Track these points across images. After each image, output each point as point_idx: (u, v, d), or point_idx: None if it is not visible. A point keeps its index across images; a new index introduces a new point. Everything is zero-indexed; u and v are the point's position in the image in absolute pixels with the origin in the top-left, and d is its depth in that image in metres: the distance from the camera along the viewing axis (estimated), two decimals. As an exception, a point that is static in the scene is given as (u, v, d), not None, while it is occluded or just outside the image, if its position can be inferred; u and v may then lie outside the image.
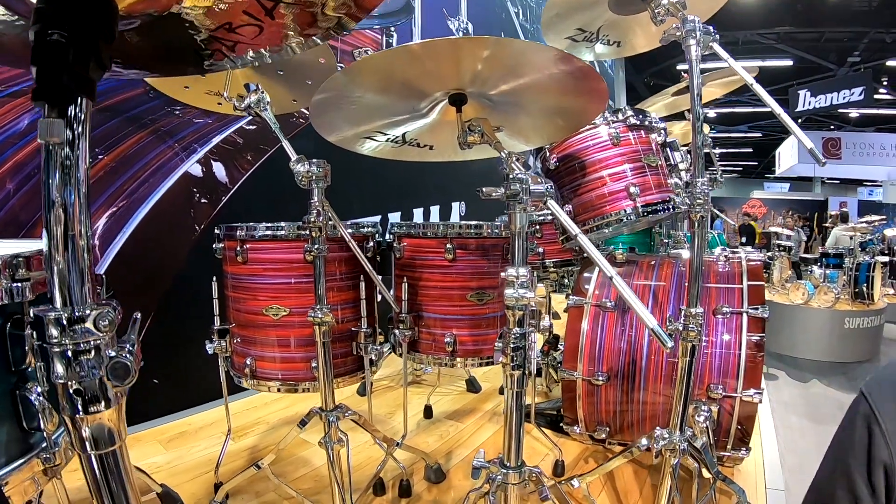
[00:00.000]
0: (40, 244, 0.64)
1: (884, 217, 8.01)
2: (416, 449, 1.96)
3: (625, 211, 1.72)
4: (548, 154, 1.87)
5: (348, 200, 3.37)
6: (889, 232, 7.80)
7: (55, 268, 0.57)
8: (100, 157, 2.30)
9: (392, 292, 1.92)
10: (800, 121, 13.61)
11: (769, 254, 6.62)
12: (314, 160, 1.44)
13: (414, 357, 1.90)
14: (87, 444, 0.59)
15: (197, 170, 2.62)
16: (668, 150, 1.88)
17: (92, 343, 0.58)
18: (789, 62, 11.14)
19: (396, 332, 1.83)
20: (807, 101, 11.11)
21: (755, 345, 1.73)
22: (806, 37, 10.17)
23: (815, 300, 5.98)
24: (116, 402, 0.61)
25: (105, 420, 0.60)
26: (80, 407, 0.58)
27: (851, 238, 6.31)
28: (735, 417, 1.75)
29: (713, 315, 1.79)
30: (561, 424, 2.05)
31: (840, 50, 10.54)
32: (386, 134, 1.56)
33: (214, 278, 1.73)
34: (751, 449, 1.82)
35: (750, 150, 21.16)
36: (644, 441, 1.52)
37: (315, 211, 1.42)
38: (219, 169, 2.70)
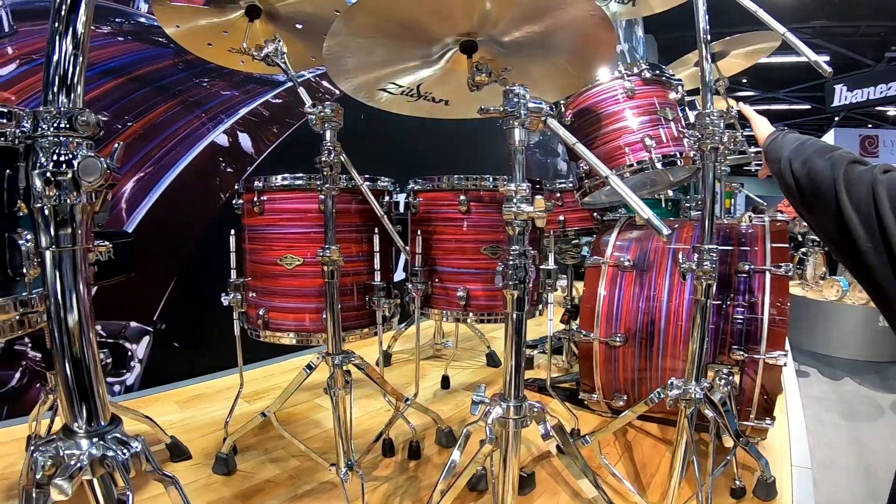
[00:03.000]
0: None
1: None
2: (428, 409, 1.92)
3: (640, 162, 1.66)
4: (563, 110, 1.83)
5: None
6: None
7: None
8: (129, 124, 2.34)
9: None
10: (836, 118, 13.19)
11: (803, 249, 6.42)
12: (327, 102, 1.43)
13: (427, 312, 1.87)
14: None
15: (223, 140, 2.65)
16: (685, 108, 1.83)
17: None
18: (826, 57, 10.80)
19: (409, 286, 1.81)
20: (843, 96, 10.73)
21: (779, 305, 1.65)
22: (841, 31, 9.81)
23: (850, 297, 5.73)
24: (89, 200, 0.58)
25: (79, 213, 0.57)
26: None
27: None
28: (758, 383, 1.67)
29: (734, 275, 1.72)
30: (579, 394, 1.99)
31: (877, 44, 10.15)
32: (400, 85, 1.54)
33: (232, 231, 1.73)
34: (775, 419, 1.73)
35: None
36: (657, 393, 1.45)
37: (326, 150, 1.41)
38: (245, 140, 2.72)
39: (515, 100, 1.02)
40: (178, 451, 1.77)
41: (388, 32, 1.31)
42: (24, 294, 0.72)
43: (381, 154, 3.21)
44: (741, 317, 1.68)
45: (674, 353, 1.73)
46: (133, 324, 2.37)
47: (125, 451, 0.69)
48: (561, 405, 1.98)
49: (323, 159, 1.41)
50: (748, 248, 1.78)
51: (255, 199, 1.70)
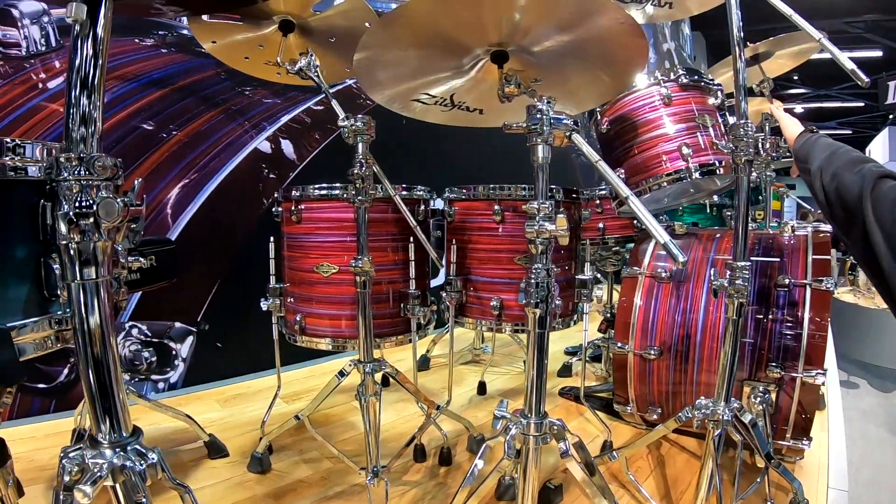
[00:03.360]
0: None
1: None
2: (461, 417, 1.93)
3: (677, 171, 1.63)
4: (599, 118, 1.80)
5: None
6: None
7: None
8: (174, 132, 2.43)
9: (444, 259, 1.91)
10: (892, 116, 12.56)
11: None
12: (359, 115, 1.45)
13: (461, 321, 1.88)
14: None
15: (266, 147, 2.71)
16: (725, 113, 1.78)
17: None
18: (879, 52, 10.30)
19: (444, 294, 1.82)
20: (895, 93, 10.23)
21: (818, 321, 1.59)
22: (895, 25, 9.34)
23: (907, 306, 5.47)
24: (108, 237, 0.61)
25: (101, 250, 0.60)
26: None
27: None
28: (795, 401, 1.61)
29: (773, 288, 1.67)
30: (613, 405, 1.96)
31: None
32: (433, 96, 1.55)
33: (272, 239, 1.78)
34: (811, 439, 1.67)
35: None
36: (686, 412, 1.42)
37: (358, 163, 1.43)
38: (287, 146, 2.79)
39: (538, 116, 1.02)
40: (215, 449, 1.83)
41: (419, 44, 1.32)
42: (59, 313, 0.76)
43: (425, 159, 3.24)
44: (779, 333, 1.63)
45: (709, 368, 1.69)
46: (178, 324, 2.46)
47: (143, 462, 0.72)
48: (594, 416, 1.96)
49: (355, 172, 1.43)
50: (789, 261, 1.73)
51: (293, 207, 1.74)
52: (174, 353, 2.45)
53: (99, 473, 0.67)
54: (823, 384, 1.58)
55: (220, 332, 2.56)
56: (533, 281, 1.02)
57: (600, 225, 2.41)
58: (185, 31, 2.51)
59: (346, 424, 2.13)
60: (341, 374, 1.67)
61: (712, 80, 1.78)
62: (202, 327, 2.51)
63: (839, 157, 1.04)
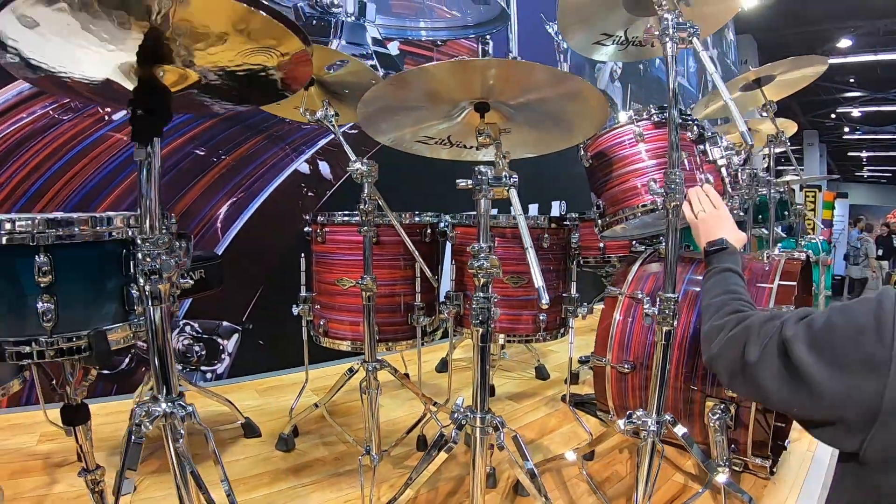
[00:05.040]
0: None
1: None
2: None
3: (644, 205, 1.92)
4: (583, 152, 2.12)
5: (441, 197, 3.75)
6: None
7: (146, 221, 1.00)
8: (223, 157, 2.91)
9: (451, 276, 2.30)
10: None
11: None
12: (365, 160, 1.84)
13: (460, 331, 2.25)
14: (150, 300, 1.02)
15: (305, 168, 3.18)
16: (705, 145, 2.05)
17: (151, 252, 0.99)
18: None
19: (443, 307, 2.19)
20: None
21: None
22: None
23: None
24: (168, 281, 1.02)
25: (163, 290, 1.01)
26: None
27: None
28: (751, 418, 1.79)
29: None
30: (597, 412, 2.27)
31: None
32: (430, 137, 1.91)
33: (303, 254, 2.21)
34: (769, 457, 1.87)
35: None
36: (622, 422, 1.71)
37: (363, 200, 1.83)
38: (324, 167, 3.24)
39: (480, 177, 1.37)
40: (250, 430, 2.28)
41: (413, 100, 1.68)
42: (135, 320, 1.20)
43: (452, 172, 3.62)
44: None
45: (675, 384, 1.96)
46: (225, 323, 2.94)
47: (183, 410, 1.13)
48: (579, 423, 2.29)
49: (361, 207, 1.83)
50: (760, 286, 1.98)
51: (319, 230, 2.16)
52: (221, 347, 2.94)
53: (156, 415, 1.08)
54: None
55: (262, 331, 3.04)
56: (476, 306, 1.38)
57: (601, 244, 2.71)
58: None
59: (363, 416, 2.53)
60: (350, 371, 2.09)
61: (689, 115, 2.05)
62: (246, 327, 3.00)
63: (725, 304, 1.24)
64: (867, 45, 10.71)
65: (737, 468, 1.86)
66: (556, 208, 4.83)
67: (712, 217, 1.59)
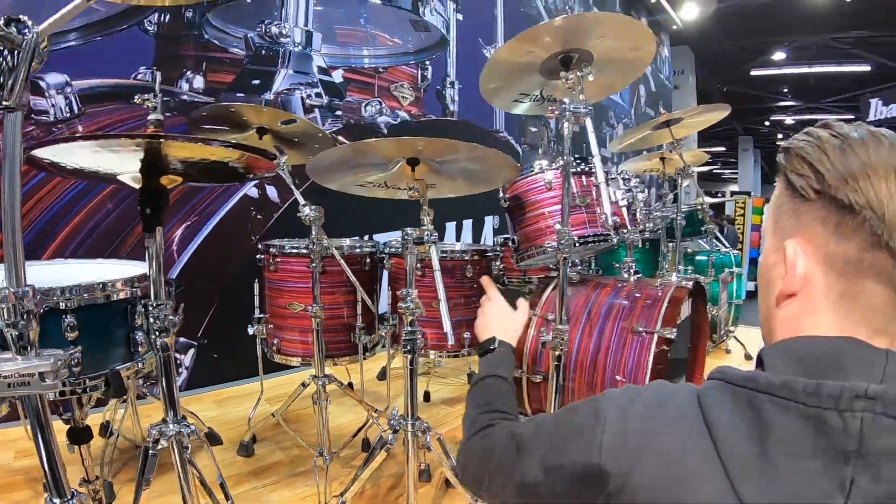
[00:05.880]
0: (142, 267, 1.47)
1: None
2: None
3: (552, 244, 2.34)
4: (502, 193, 2.52)
5: (382, 215, 4.15)
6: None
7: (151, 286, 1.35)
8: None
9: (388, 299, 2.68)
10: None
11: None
12: (313, 206, 2.19)
13: (396, 348, 2.64)
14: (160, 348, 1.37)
15: (254, 192, 3.50)
16: (609, 187, 2.49)
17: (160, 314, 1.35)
18: (867, 67, 11.01)
19: (381, 327, 2.58)
20: (878, 110, 10.95)
21: (659, 360, 2.27)
22: (882, 41, 10.02)
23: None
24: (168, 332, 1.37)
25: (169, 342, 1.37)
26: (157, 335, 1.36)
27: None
28: None
29: (631, 332, 2.36)
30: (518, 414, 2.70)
31: None
32: (370, 182, 2.28)
33: (256, 280, 2.56)
34: None
35: None
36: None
37: (311, 241, 2.19)
38: (271, 191, 3.56)
39: (405, 238, 1.77)
40: (213, 439, 2.62)
41: (357, 161, 2.04)
42: (139, 359, 1.56)
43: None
44: (631, 368, 2.32)
45: (578, 394, 2.38)
46: (181, 339, 3.25)
47: (188, 429, 1.48)
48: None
49: (308, 247, 2.19)
50: (649, 310, 2.42)
51: (272, 259, 2.51)
52: (179, 362, 3.25)
53: (168, 434, 1.43)
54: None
55: (216, 346, 3.36)
56: (405, 338, 1.78)
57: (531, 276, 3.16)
58: (185, 97, 3.28)
59: (314, 423, 2.90)
60: (303, 385, 2.46)
61: (592, 164, 2.47)
62: (201, 342, 3.31)
63: (486, 415, 1.22)
64: (801, 57, 11.72)
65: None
66: (490, 223, 5.27)
67: (485, 316, 1.62)
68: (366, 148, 1.91)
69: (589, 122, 1.95)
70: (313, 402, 2.31)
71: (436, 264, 1.73)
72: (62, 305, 1.37)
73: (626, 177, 2.63)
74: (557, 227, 2.25)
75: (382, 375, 3.59)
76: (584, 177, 2.44)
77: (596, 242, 2.39)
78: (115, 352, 1.52)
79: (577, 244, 2.32)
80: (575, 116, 1.95)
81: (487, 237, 5.32)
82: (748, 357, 4.35)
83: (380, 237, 4.37)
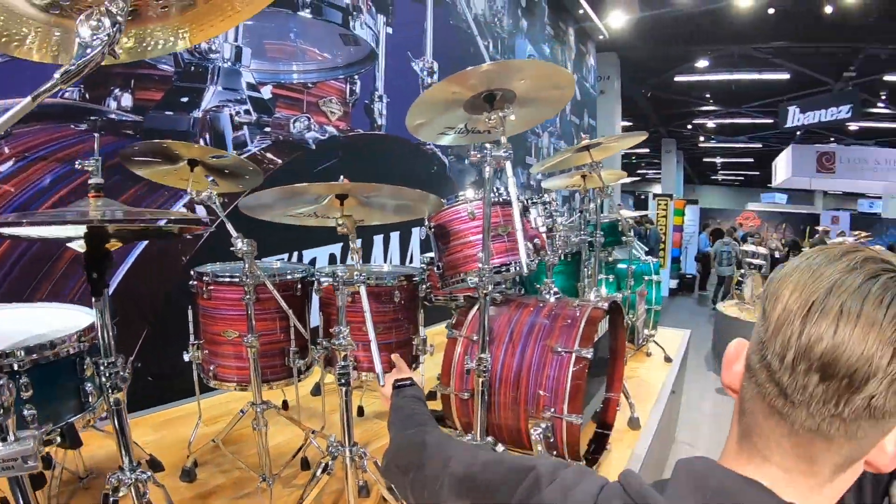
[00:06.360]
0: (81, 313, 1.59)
1: (869, 234, 8.62)
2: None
3: (474, 272, 2.54)
4: (427, 222, 2.70)
5: (311, 231, 4.25)
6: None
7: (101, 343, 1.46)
8: (109, 204, 3.23)
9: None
10: (798, 133, 14.32)
11: (741, 271, 7.35)
12: (246, 239, 2.31)
13: (330, 370, 2.80)
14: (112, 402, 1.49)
15: (183, 211, 3.54)
16: (528, 214, 2.71)
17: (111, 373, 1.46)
18: (786, 75, 11.92)
19: (314, 349, 2.72)
20: (796, 117, 11.87)
21: (577, 377, 2.48)
22: (802, 51, 10.87)
23: (780, 318, 6.69)
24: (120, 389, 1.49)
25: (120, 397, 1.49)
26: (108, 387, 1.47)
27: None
28: (564, 434, 2.44)
29: (551, 352, 2.57)
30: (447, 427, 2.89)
31: (836, 64, 11.27)
32: (301, 213, 2.41)
33: (190, 307, 2.65)
34: (583, 462, 2.57)
35: (751, 159, 22.50)
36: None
37: (245, 274, 2.32)
38: (200, 210, 3.61)
39: (336, 279, 1.93)
40: (154, 465, 2.68)
41: (290, 199, 2.18)
42: (90, 409, 1.67)
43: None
44: (552, 385, 2.49)
45: (503, 410, 2.58)
46: (114, 363, 3.28)
47: (144, 475, 1.59)
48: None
49: (243, 279, 2.31)
50: (568, 330, 2.64)
51: (204, 287, 2.60)
52: (111, 386, 3.28)
53: (127, 482, 1.55)
54: (581, 424, 2.47)
55: (151, 369, 3.41)
56: (338, 373, 1.94)
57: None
58: (112, 116, 3.31)
59: (252, 443, 3.02)
60: (242, 412, 2.59)
61: (517, 195, 2.68)
62: (136, 365, 3.34)
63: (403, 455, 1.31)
64: (723, 65, 12.54)
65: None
66: (416, 234, 5.45)
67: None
68: (298, 190, 2.05)
69: (508, 166, 2.13)
70: (253, 428, 2.43)
71: (366, 306, 1.89)
72: (15, 367, 1.47)
73: (547, 201, 2.88)
74: (481, 254, 2.46)
75: (316, 391, 3.73)
76: (498, 207, 2.64)
77: (517, 269, 2.61)
78: (68, 404, 1.63)
79: (494, 271, 2.54)
80: (496, 161, 2.14)
81: (415, 248, 5.51)
82: (668, 359, 4.71)
83: (308, 253, 4.55)
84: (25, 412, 1.44)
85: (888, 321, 0.62)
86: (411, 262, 5.55)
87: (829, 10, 8.48)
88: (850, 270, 0.66)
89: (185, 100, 3.67)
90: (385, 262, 5.22)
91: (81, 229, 1.39)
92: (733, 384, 0.79)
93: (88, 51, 0.89)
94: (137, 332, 3.39)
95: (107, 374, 1.47)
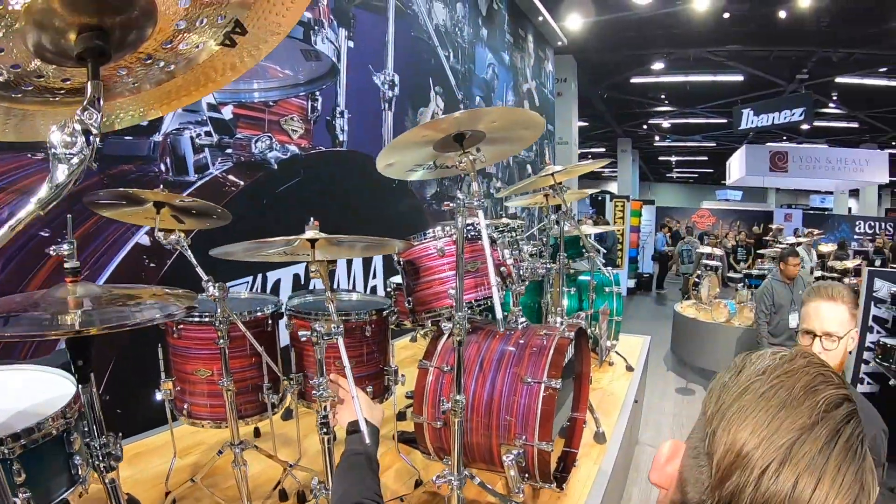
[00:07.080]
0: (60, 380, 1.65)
1: (821, 231, 9.11)
2: (311, 469, 2.93)
3: (446, 308, 2.66)
4: (397, 258, 2.80)
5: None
6: (824, 248, 8.66)
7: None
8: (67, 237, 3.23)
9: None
10: (751, 133, 14.92)
11: (698, 272, 7.70)
12: (219, 284, 2.37)
13: (303, 403, 2.88)
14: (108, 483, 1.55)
15: (145, 240, 3.55)
16: (496, 247, 2.84)
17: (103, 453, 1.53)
18: (740, 77, 12.44)
19: (287, 384, 2.80)
20: (750, 119, 12.41)
21: (547, 404, 2.61)
22: (756, 55, 11.35)
23: (737, 318, 7.03)
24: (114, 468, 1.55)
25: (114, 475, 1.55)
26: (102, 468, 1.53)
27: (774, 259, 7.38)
28: (535, 460, 2.56)
29: (521, 382, 2.70)
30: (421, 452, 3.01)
31: (789, 67, 11.82)
32: (270, 252, 2.46)
33: (160, 345, 2.70)
34: (553, 482, 2.72)
35: (705, 157, 23.49)
36: (434, 478, 2.49)
37: (217, 319, 2.38)
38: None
39: (313, 332, 2.02)
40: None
41: (255, 248, 2.25)
42: (80, 481, 1.72)
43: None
44: (522, 414, 2.62)
45: (476, 437, 2.70)
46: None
47: None
48: (405, 460, 3.04)
49: (216, 325, 2.38)
50: (536, 359, 2.77)
51: (175, 327, 2.65)
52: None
53: None
54: (552, 450, 2.62)
55: (119, 401, 3.43)
56: (319, 422, 2.03)
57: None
58: (73, 145, 3.29)
59: (228, 475, 3.06)
60: (220, 452, 2.66)
61: (486, 230, 2.79)
62: (104, 398, 3.37)
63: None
64: (678, 67, 12.99)
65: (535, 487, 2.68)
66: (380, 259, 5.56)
67: (347, 405, 1.97)
68: (269, 243, 2.12)
69: (481, 215, 2.24)
70: (232, 467, 2.50)
71: (345, 360, 1.98)
72: (6, 451, 1.51)
73: (514, 239, 3.01)
74: (451, 291, 2.56)
75: (287, 415, 3.80)
76: (471, 243, 2.76)
77: (487, 303, 2.74)
78: (59, 480, 1.66)
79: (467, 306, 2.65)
80: (469, 209, 2.22)
81: (378, 267, 5.58)
82: (629, 368, 4.92)
83: (272, 275, 4.59)
84: (20, 497, 1.49)
85: (846, 486, 0.62)
86: (374, 277, 5.64)
87: (783, 14, 8.85)
88: (811, 426, 0.65)
89: (144, 124, 3.66)
90: (349, 281, 5.32)
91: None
92: (662, 483, 0.79)
93: (63, 173, 0.84)
94: (104, 365, 3.40)
95: (100, 457, 1.53)
